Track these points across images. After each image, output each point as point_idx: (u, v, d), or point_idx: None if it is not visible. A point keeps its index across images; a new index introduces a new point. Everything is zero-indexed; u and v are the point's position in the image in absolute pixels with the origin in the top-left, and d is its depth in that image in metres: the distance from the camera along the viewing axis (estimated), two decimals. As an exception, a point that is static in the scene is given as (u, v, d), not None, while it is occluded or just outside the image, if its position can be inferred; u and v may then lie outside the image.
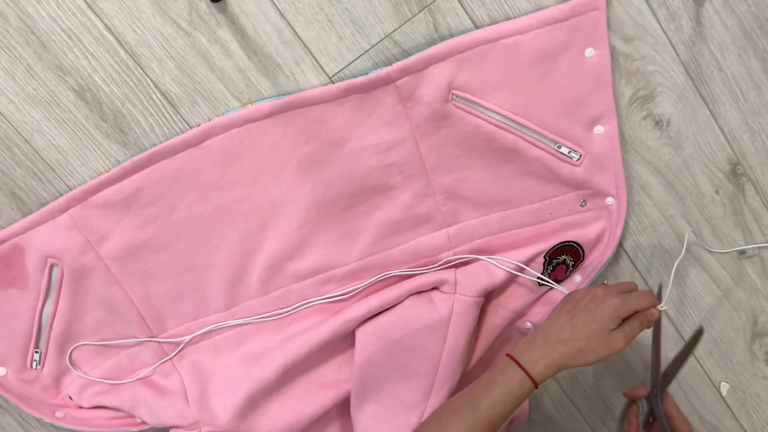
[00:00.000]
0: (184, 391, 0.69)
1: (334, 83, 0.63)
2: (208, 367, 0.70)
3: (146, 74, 0.62)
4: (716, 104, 0.67)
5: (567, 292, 0.64)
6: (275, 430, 0.68)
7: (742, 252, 0.72)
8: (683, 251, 0.69)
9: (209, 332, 0.70)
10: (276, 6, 0.61)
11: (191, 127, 0.64)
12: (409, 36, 0.63)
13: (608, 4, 0.62)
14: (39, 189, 0.65)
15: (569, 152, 0.65)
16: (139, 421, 0.71)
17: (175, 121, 0.64)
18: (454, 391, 0.67)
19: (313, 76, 0.63)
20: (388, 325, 0.67)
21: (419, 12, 0.62)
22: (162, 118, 0.63)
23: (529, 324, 0.72)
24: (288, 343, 0.67)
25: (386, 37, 0.63)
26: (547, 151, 0.64)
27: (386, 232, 0.68)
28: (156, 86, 0.62)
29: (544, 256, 0.68)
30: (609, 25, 0.63)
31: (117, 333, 0.69)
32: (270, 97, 0.63)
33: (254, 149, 0.63)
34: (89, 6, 0.60)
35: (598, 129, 0.65)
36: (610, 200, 0.67)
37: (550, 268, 0.68)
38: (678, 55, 0.65)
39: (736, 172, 0.69)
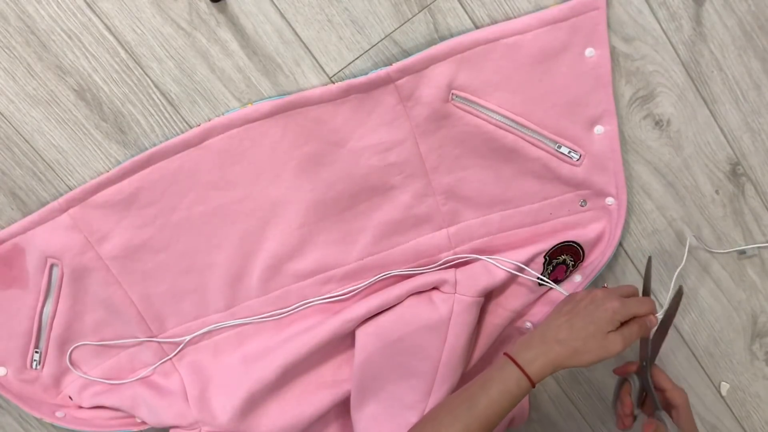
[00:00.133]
0: (184, 391, 0.69)
1: (334, 83, 0.63)
2: (208, 367, 0.70)
3: (146, 74, 0.62)
4: (716, 104, 0.67)
5: (566, 294, 0.64)
6: (275, 430, 0.68)
7: (742, 252, 0.72)
8: (684, 258, 0.69)
9: (209, 332, 0.70)
10: (276, 6, 0.61)
11: (191, 127, 0.64)
12: (409, 36, 0.63)
13: (608, 4, 0.62)
14: (39, 189, 0.65)
15: (569, 152, 0.65)
16: (139, 421, 0.71)
17: (175, 121, 0.64)
18: (454, 391, 0.67)
19: (313, 76, 0.63)
20: (388, 325, 0.67)
21: (419, 12, 0.62)
22: (162, 118, 0.63)
23: (529, 324, 0.72)
24: (288, 343, 0.67)
25: (386, 37, 0.63)
26: (547, 151, 0.64)
27: (386, 232, 0.68)
28: (156, 86, 0.62)
29: (544, 256, 0.68)
30: (609, 25, 0.63)
31: (117, 333, 0.69)
32: (270, 97, 0.63)
33: (254, 149, 0.63)
34: (89, 6, 0.60)
35: (598, 129, 0.65)
36: (610, 200, 0.67)
37: (550, 268, 0.68)
38: (678, 55, 0.65)
39: (736, 172, 0.69)
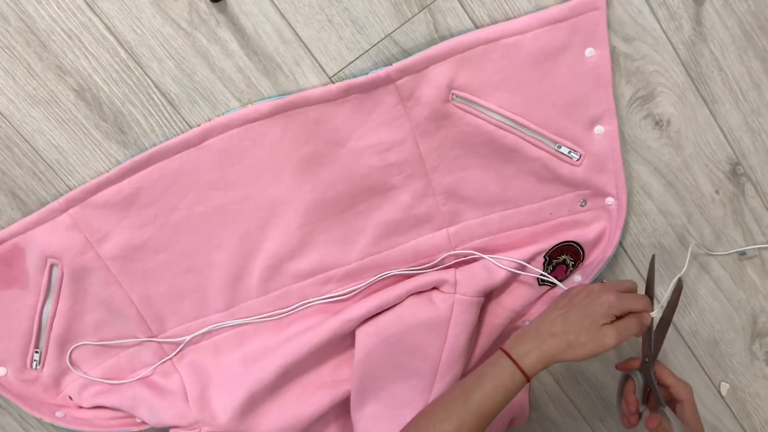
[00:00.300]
0: (184, 391, 0.69)
1: (334, 83, 0.63)
2: (208, 367, 0.70)
3: (146, 74, 0.62)
4: (716, 104, 0.67)
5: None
6: (275, 430, 0.68)
7: (743, 252, 0.72)
8: (686, 265, 0.68)
9: (209, 332, 0.70)
10: (276, 6, 0.61)
11: (191, 127, 0.64)
12: (409, 36, 0.63)
13: (608, 4, 0.62)
14: (39, 189, 0.65)
15: (569, 152, 0.65)
16: (139, 421, 0.71)
17: (175, 121, 0.64)
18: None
19: (313, 76, 0.63)
20: (388, 324, 0.67)
21: (419, 12, 0.62)
22: (162, 118, 0.63)
23: (529, 323, 0.72)
24: (288, 343, 0.67)
25: (386, 37, 0.63)
26: (547, 151, 0.64)
27: (386, 232, 0.68)
28: (156, 86, 0.62)
29: (544, 256, 0.68)
30: (609, 25, 0.63)
31: (117, 333, 0.69)
32: (270, 97, 0.63)
33: (254, 149, 0.63)
34: (89, 6, 0.60)
35: (598, 129, 0.65)
36: (610, 200, 0.67)
37: (550, 268, 0.68)
38: (678, 55, 0.65)
39: (736, 172, 0.69)
